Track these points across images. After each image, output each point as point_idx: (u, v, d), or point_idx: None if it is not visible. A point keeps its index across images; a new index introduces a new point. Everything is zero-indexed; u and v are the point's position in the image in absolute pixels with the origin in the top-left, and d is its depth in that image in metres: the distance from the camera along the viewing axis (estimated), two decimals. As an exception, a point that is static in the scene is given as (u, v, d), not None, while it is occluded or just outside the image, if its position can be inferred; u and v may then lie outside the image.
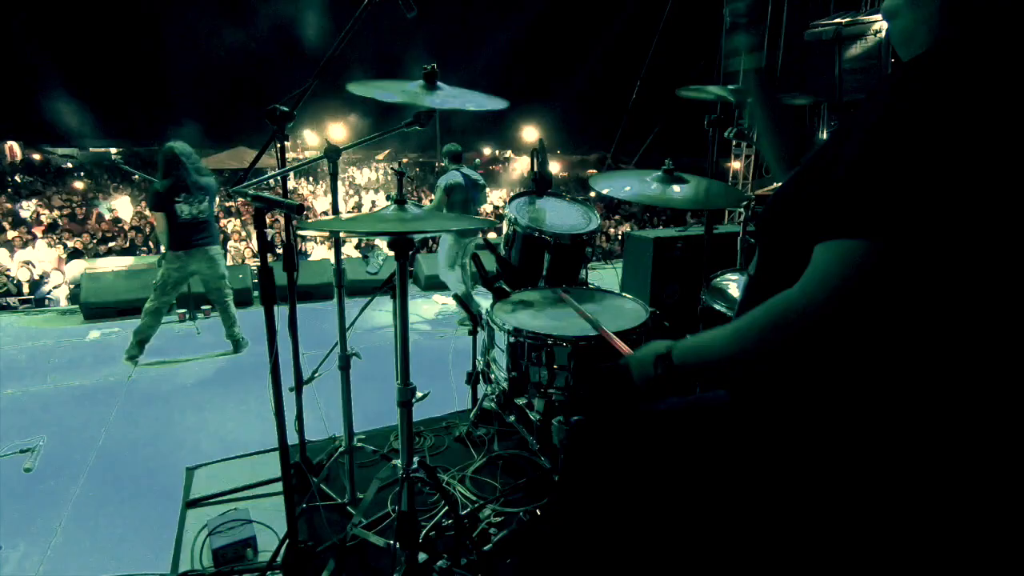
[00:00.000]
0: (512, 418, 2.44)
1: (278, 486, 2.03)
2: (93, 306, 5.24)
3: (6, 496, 2.45)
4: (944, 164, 0.73)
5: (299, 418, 2.23)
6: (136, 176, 4.22)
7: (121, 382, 3.70)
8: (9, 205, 12.53)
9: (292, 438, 1.85)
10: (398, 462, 1.59)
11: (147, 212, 4.07)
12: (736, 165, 12.10)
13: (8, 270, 7.39)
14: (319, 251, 8.91)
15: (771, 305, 0.85)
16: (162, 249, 3.99)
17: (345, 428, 2.18)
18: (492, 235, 2.48)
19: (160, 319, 4.03)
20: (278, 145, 1.92)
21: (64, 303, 6.85)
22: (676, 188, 2.12)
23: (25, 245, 8.42)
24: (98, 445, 2.87)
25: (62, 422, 3.14)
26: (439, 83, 1.87)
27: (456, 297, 2.80)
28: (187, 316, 4.98)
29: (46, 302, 7.13)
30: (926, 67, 0.82)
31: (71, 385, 3.68)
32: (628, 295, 2.23)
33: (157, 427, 3.07)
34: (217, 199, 4.17)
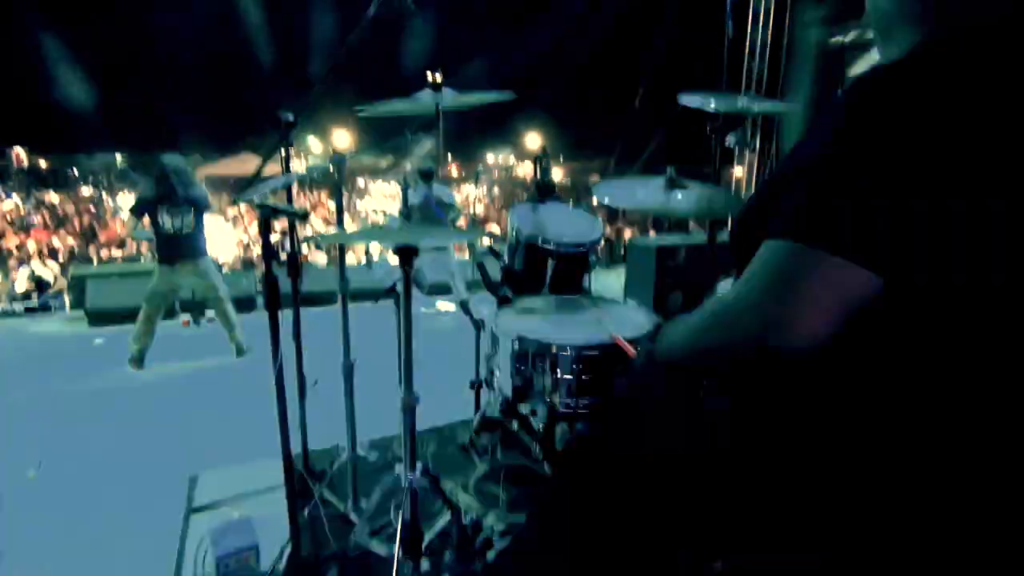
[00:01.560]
0: (515, 426, 2.43)
1: (281, 493, 2.03)
2: (98, 311, 5.25)
3: (8, 503, 2.45)
4: (893, 183, 0.72)
5: (302, 425, 2.23)
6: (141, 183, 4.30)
7: (124, 387, 3.70)
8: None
9: (295, 445, 1.85)
10: (401, 470, 1.58)
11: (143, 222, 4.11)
12: (739, 172, 12.11)
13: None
14: (320, 257, 8.93)
15: (712, 301, 0.88)
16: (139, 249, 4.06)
17: (348, 435, 2.17)
18: (487, 241, 2.48)
19: (153, 325, 4.08)
20: (283, 152, 1.93)
21: (68, 308, 6.88)
22: (679, 196, 2.12)
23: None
24: (101, 451, 2.87)
25: (65, 428, 3.14)
26: (444, 88, 1.88)
27: (460, 303, 2.80)
28: (191, 321, 5.00)
29: (51, 307, 7.16)
30: (896, 74, 0.78)
31: (74, 391, 3.69)
32: (632, 303, 2.23)
33: (160, 433, 3.07)
34: (210, 210, 4.22)
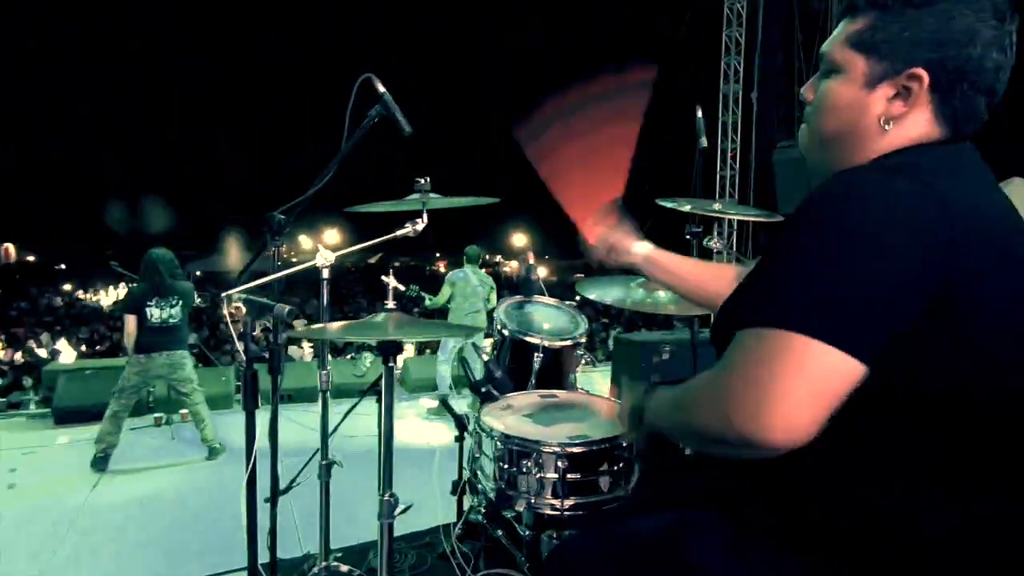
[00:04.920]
0: (499, 532, 2.30)
1: (243, 612, 1.87)
2: (66, 409, 5.05)
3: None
4: (834, 262, 0.75)
5: (272, 533, 2.09)
6: (128, 277, 4.32)
7: (83, 493, 3.48)
8: None
9: (263, 555, 1.73)
10: (376, 583, 1.47)
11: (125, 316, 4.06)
12: (718, 271, 12.44)
13: None
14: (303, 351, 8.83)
15: (690, 382, 0.90)
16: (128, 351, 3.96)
17: (321, 544, 2.04)
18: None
19: (119, 424, 3.90)
20: (273, 251, 1.98)
21: (34, 406, 6.60)
22: (661, 293, 2.18)
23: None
24: (50, 564, 2.64)
25: (14, 538, 2.91)
26: (432, 194, 1.98)
27: (443, 401, 2.75)
28: (163, 420, 4.81)
29: (21, 405, 6.88)
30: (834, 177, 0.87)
31: (28, 496, 3.45)
32: (617, 400, 2.20)
33: (116, 544, 2.85)
34: (193, 303, 4.21)
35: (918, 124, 0.87)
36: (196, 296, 4.27)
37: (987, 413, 0.80)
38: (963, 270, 0.74)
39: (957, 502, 0.81)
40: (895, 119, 0.88)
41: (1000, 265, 0.77)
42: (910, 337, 0.76)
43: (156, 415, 4.86)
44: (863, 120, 0.90)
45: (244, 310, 1.83)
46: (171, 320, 3.96)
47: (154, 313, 3.90)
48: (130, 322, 3.91)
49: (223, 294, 1.63)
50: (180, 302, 4.00)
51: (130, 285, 4.13)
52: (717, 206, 2.22)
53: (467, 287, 5.36)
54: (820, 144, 0.98)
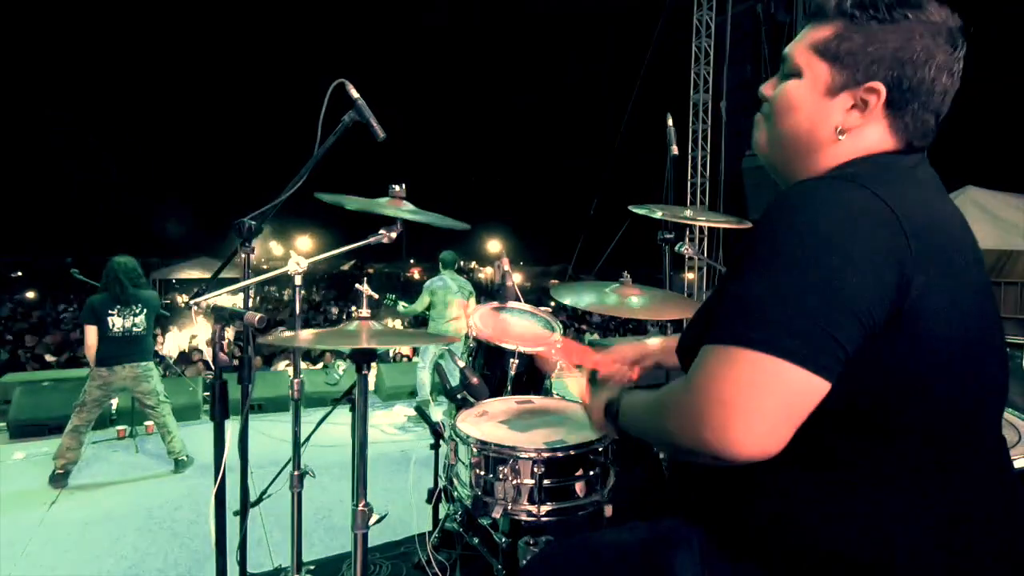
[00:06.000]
0: (476, 540, 2.28)
1: (211, 630, 1.81)
2: (22, 423, 4.84)
3: None
4: (792, 275, 0.75)
5: (242, 547, 2.04)
6: (91, 286, 4.15)
7: (40, 510, 3.34)
8: None
9: (233, 570, 1.68)
10: (350, 596, 1.45)
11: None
12: (690, 276, 12.72)
13: None
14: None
15: (663, 390, 0.89)
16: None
17: (293, 557, 1.99)
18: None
19: (81, 439, 3.76)
20: (243, 257, 1.94)
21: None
22: (634, 299, 2.20)
23: None
24: (4, 586, 2.53)
25: (-35, 559, 2.77)
26: (406, 200, 1.97)
27: (418, 408, 2.72)
28: (127, 432, 4.65)
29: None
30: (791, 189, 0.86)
31: (-17, 515, 3.30)
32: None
33: (77, 562, 2.73)
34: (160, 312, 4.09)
35: (871, 137, 0.89)
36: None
37: (945, 422, 0.81)
38: (915, 280, 0.76)
39: (934, 507, 0.82)
40: (850, 130, 0.89)
41: (943, 275, 0.79)
42: (872, 349, 0.77)
43: (119, 427, 4.70)
44: (821, 126, 0.91)
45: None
46: (135, 329, 3.84)
47: (116, 322, 3.77)
48: (90, 333, 3.78)
49: (189, 301, 1.58)
50: (144, 311, 3.88)
51: (90, 295, 3.97)
52: (688, 212, 2.25)
53: (447, 294, 5.37)
54: (775, 144, 0.98)
